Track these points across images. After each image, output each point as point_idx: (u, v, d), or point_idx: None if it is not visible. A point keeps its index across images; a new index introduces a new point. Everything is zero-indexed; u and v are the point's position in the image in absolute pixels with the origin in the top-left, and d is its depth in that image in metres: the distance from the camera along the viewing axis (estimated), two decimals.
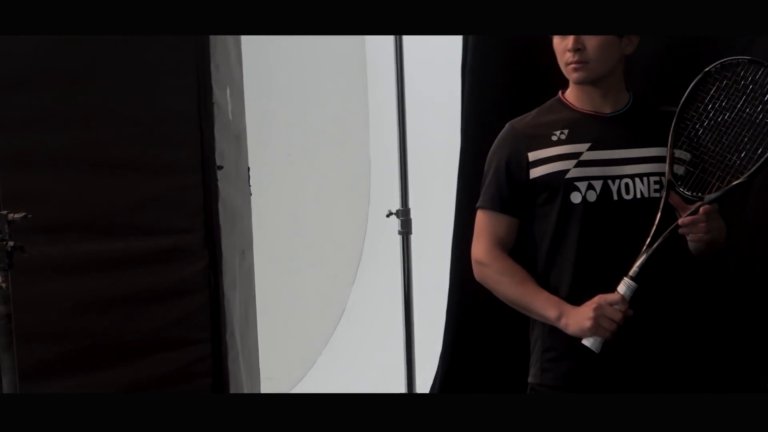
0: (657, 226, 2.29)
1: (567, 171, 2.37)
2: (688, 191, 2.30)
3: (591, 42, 2.34)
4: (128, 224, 2.72)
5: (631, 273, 2.26)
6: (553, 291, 2.38)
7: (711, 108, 2.36)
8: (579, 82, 2.40)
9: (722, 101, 2.35)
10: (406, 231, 3.72)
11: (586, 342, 2.24)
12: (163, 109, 2.74)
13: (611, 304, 2.24)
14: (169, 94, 2.74)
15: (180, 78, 2.75)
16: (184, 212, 2.75)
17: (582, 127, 2.41)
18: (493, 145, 2.52)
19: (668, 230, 2.26)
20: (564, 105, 2.47)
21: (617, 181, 2.36)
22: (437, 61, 4.26)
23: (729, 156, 2.31)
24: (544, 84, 2.54)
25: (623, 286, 2.25)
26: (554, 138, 2.41)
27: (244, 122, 3.50)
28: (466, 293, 3.00)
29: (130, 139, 2.71)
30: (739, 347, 2.76)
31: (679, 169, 2.36)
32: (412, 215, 3.73)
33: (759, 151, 2.26)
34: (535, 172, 2.41)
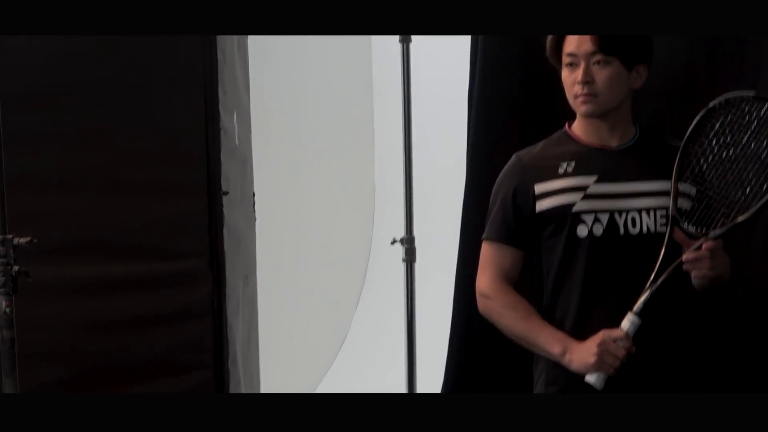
0: (661, 262, 2.27)
1: (574, 204, 2.36)
2: (692, 227, 2.29)
3: (600, 75, 2.33)
4: (135, 247, 2.72)
5: (635, 309, 2.24)
6: (558, 324, 2.37)
7: (715, 143, 2.35)
8: (587, 115, 2.39)
9: (726, 137, 2.33)
10: (410, 259, 3.71)
11: (590, 378, 2.23)
12: (171, 132, 2.74)
13: (615, 340, 2.22)
14: (178, 118, 2.74)
15: (189, 102, 2.76)
16: (190, 236, 2.75)
17: (589, 160, 2.40)
18: (500, 176, 2.51)
19: (672, 266, 2.25)
20: (570, 138, 2.46)
21: (624, 215, 2.34)
22: (444, 88, 4.28)
23: (733, 192, 2.29)
24: (553, 113, 2.54)
25: (627, 322, 2.23)
26: (561, 171, 2.40)
27: (250, 147, 3.51)
28: (469, 323, 3.00)
29: (138, 162, 2.72)
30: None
31: (686, 204, 2.35)
32: (417, 243, 3.73)
33: (764, 187, 2.24)
34: (542, 205, 2.40)
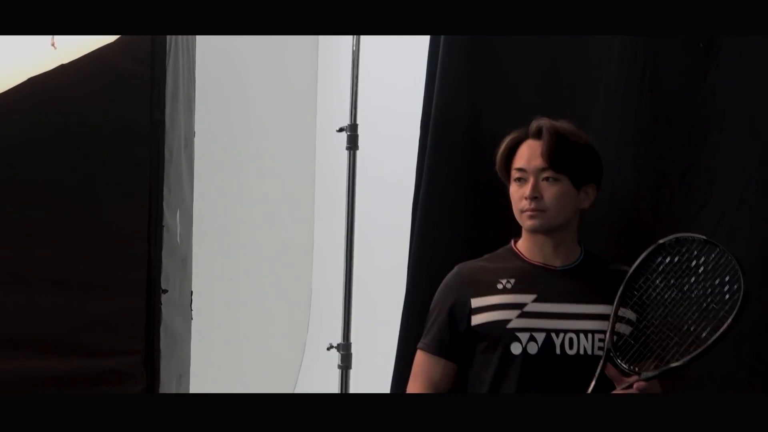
0: (591, 392, 2.27)
1: (509, 321, 2.37)
2: (625, 364, 2.29)
3: (549, 191, 2.37)
4: (69, 344, 2.66)
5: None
6: None
7: (660, 282, 2.36)
8: (533, 231, 2.42)
9: (671, 278, 2.35)
10: (346, 365, 3.68)
11: None
12: (112, 229, 2.72)
13: None
14: (121, 216, 2.72)
15: (132, 199, 2.74)
16: (126, 335, 2.70)
17: (529, 278, 2.42)
18: (440, 287, 2.53)
19: None
20: (514, 254, 2.49)
21: (561, 336, 2.35)
22: (389, 192, 4.30)
23: (671, 335, 2.29)
24: (499, 227, 2.56)
25: None
26: (500, 286, 2.42)
27: (191, 245, 3.49)
28: None
29: (79, 258, 2.68)
30: None
31: (626, 329, 2.36)
32: (353, 349, 3.71)
33: (703, 335, 2.24)
34: (477, 319, 2.41)
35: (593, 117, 2.96)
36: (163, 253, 2.79)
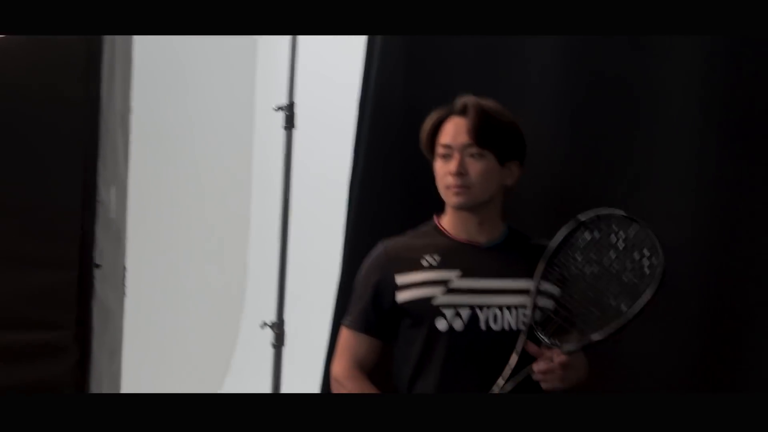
0: (512, 368, 2.31)
1: (434, 297, 2.39)
2: (547, 338, 2.33)
3: (474, 167, 2.39)
4: (5, 317, 2.65)
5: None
6: None
7: (580, 258, 2.41)
8: (458, 207, 2.44)
9: (591, 253, 2.40)
10: (279, 344, 3.70)
11: None
12: (46, 203, 2.70)
13: None
14: (55, 190, 2.71)
15: (66, 173, 2.73)
16: (58, 308, 2.69)
17: (454, 255, 2.44)
18: (364, 264, 2.54)
19: (522, 374, 2.28)
20: (438, 231, 2.51)
21: (485, 311, 2.38)
22: (326, 169, 4.32)
23: (592, 309, 2.34)
24: (435, 204, 2.59)
25: None
26: (425, 263, 2.44)
27: (125, 221, 3.48)
28: None
29: (12, 232, 2.66)
30: None
31: (548, 303, 2.40)
32: (287, 327, 3.72)
33: (623, 309, 2.28)
34: (402, 296, 2.43)
35: (527, 99, 3.00)
36: (97, 227, 2.78)
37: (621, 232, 2.37)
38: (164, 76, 5.04)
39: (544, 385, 2.29)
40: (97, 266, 2.81)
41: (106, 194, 2.94)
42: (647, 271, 2.28)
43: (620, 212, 2.38)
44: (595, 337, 2.28)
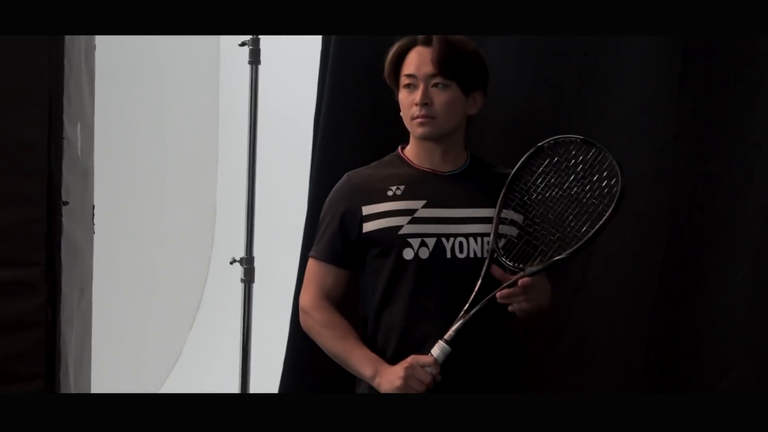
0: (476, 293, 2.34)
1: (400, 227, 2.42)
2: (510, 262, 2.37)
3: (439, 97, 2.40)
4: None
5: (446, 337, 2.30)
6: (382, 344, 2.42)
7: (541, 182, 2.44)
8: (423, 138, 2.45)
9: (551, 177, 2.43)
10: (248, 279, 3.73)
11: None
12: (12, 140, 2.70)
13: (423, 366, 2.29)
14: (19, 126, 2.70)
15: (31, 110, 2.72)
16: (27, 245, 2.70)
17: (419, 184, 2.46)
18: (330, 195, 2.55)
19: (486, 300, 2.32)
20: (403, 161, 2.53)
21: (451, 240, 2.41)
22: (292, 111, 4.31)
23: (554, 231, 2.38)
24: (400, 136, 2.60)
25: (437, 349, 2.30)
26: (390, 193, 2.46)
27: (92, 159, 3.47)
28: (305, 345, 3.03)
29: None
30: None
31: (512, 231, 2.43)
32: (256, 263, 3.75)
33: (583, 229, 2.33)
34: (369, 227, 2.45)
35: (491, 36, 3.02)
36: (63, 164, 2.78)
37: (580, 156, 2.40)
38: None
39: (510, 308, 2.33)
40: (65, 203, 2.81)
41: (72, 131, 2.94)
42: (606, 191, 2.32)
43: (578, 137, 2.42)
44: (557, 258, 2.32)
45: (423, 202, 2.43)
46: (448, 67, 2.40)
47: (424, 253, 2.40)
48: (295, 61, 4.39)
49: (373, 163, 2.57)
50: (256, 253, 3.76)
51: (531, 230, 2.42)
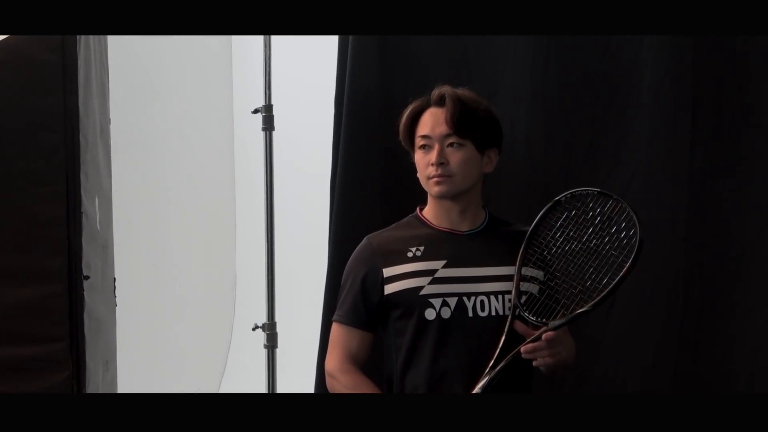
0: (501, 349, 2.33)
1: (422, 288, 2.42)
2: (532, 317, 2.36)
3: (454, 157, 2.42)
4: None
5: (473, 393, 2.29)
6: None
7: (560, 236, 2.45)
8: (441, 196, 2.46)
9: (570, 230, 2.43)
10: (271, 345, 3.72)
11: None
12: (31, 216, 2.72)
13: None
14: (38, 202, 2.73)
15: (50, 186, 2.75)
16: (50, 321, 2.72)
17: (438, 244, 2.47)
18: (351, 258, 2.56)
19: (510, 355, 2.30)
20: (421, 221, 2.54)
21: (473, 299, 2.41)
22: (307, 170, 4.33)
23: (575, 284, 2.37)
24: (415, 197, 2.61)
25: None
26: (410, 254, 2.46)
27: (112, 231, 3.49)
28: None
29: None
30: None
31: (533, 288, 2.43)
32: (278, 328, 3.74)
33: (604, 281, 2.32)
34: (390, 288, 2.45)
35: (501, 88, 3.04)
36: (83, 239, 2.80)
37: (598, 209, 2.41)
38: (141, 86, 5.03)
39: (535, 363, 2.32)
40: (86, 278, 2.83)
41: (90, 205, 2.96)
42: (625, 242, 2.32)
43: (595, 189, 2.42)
44: (580, 310, 2.31)
45: (443, 262, 2.43)
46: (462, 126, 2.42)
47: (446, 313, 2.40)
48: (308, 125, 4.42)
49: (392, 225, 2.58)
50: (278, 318, 3.75)
51: (552, 284, 2.41)
